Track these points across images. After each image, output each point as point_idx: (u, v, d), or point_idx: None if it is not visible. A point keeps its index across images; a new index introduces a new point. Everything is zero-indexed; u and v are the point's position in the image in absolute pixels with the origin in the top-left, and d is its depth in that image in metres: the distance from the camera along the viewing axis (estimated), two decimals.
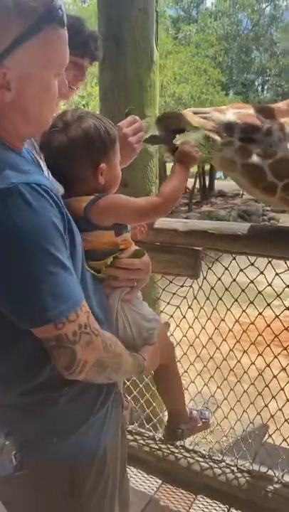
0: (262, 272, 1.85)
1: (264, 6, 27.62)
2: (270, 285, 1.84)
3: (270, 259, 1.83)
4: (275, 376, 1.98)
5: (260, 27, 27.25)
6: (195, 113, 1.43)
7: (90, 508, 1.11)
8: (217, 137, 1.41)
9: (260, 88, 29.67)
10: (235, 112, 1.45)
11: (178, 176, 1.25)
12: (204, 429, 1.72)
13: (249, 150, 1.44)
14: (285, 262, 1.81)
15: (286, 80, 26.67)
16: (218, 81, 17.20)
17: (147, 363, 1.19)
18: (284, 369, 1.97)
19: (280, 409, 2.01)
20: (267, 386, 2.01)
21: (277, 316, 1.90)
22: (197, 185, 21.67)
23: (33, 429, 1.04)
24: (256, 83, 28.97)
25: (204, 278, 2.02)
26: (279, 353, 1.95)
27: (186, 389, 2.24)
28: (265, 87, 30.03)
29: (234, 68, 25.46)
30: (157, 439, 2.38)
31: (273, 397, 2.01)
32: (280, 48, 26.93)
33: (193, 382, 2.24)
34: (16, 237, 0.83)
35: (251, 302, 1.93)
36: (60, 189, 1.17)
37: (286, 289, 1.85)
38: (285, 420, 2.02)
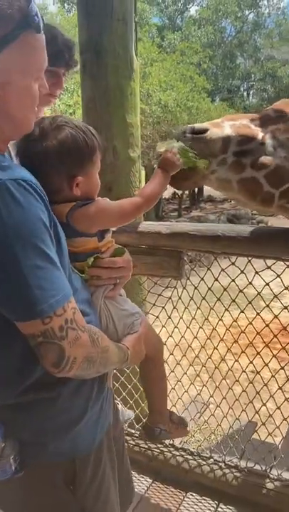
0: (242, 271, 1.91)
1: (247, 13, 28.02)
2: (250, 283, 1.90)
3: (249, 258, 1.90)
4: (258, 372, 2.04)
5: (243, 34, 27.63)
6: (194, 132, 1.40)
7: (88, 498, 1.14)
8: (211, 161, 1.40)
9: (245, 94, 30.00)
10: (230, 125, 1.44)
11: (159, 180, 1.30)
12: (181, 435, 1.74)
13: (243, 164, 1.43)
14: (265, 261, 1.88)
15: (271, 84, 27.01)
16: (204, 88, 17.38)
17: (131, 351, 1.22)
18: (266, 365, 2.02)
19: (264, 405, 2.06)
20: (251, 383, 2.07)
21: (258, 314, 1.96)
22: (186, 191, 21.79)
23: (31, 430, 1.06)
24: (241, 89, 29.30)
25: (187, 279, 2.07)
26: (261, 350, 2.01)
27: (174, 388, 2.30)
28: (251, 92, 30.38)
29: (219, 75, 25.75)
30: None
31: (257, 393, 2.07)
32: (263, 54, 27.29)
33: (180, 382, 2.29)
34: (5, 233, 0.86)
35: (233, 300, 1.98)
36: None
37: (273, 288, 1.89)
38: (270, 415, 2.08)
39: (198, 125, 1.45)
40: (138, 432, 2.44)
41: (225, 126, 1.43)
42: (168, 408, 1.60)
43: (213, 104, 18.91)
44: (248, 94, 30.35)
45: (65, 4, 24.04)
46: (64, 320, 0.91)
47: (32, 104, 0.99)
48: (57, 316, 0.90)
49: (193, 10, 29.52)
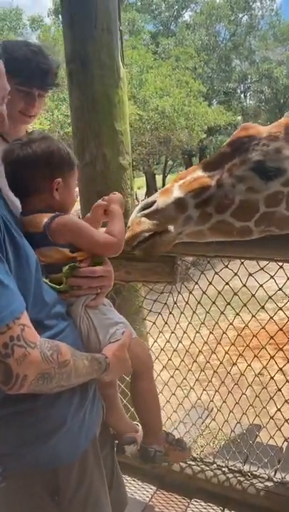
0: (236, 274, 1.90)
1: (240, 15, 28.12)
2: (244, 286, 1.89)
3: (242, 261, 1.89)
4: (256, 375, 2.03)
5: (238, 36, 27.69)
6: (143, 208, 1.47)
7: (74, 508, 1.14)
8: (171, 227, 1.44)
9: (242, 96, 30.06)
10: (180, 185, 1.46)
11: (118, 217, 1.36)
12: (180, 459, 1.69)
13: (208, 212, 1.45)
14: (258, 263, 1.87)
15: (267, 85, 27.05)
16: (200, 92, 17.43)
17: (111, 360, 1.21)
18: (265, 368, 2.01)
19: (264, 408, 2.05)
20: (250, 385, 2.05)
21: (253, 316, 1.95)
22: None
23: (11, 441, 1.07)
24: (238, 91, 29.32)
25: (182, 284, 2.07)
26: (258, 353, 2.00)
27: (174, 393, 2.29)
28: (248, 94, 30.43)
29: (215, 78, 25.76)
30: None
31: (257, 396, 2.05)
32: (258, 56, 27.36)
33: (180, 387, 2.27)
34: None
35: (228, 303, 1.97)
36: (19, 205, 1.24)
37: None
38: (271, 418, 2.06)
39: (144, 201, 1.52)
40: None
41: (174, 189, 1.47)
42: (164, 428, 1.58)
43: (210, 108, 18.91)
44: (245, 96, 30.38)
45: (60, 16, 24.25)
46: (9, 337, 0.91)
47: None
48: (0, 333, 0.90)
49: (187, 15, 29.66)
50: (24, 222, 1.17)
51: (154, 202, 1.46)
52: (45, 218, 1.18)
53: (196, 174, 1.47)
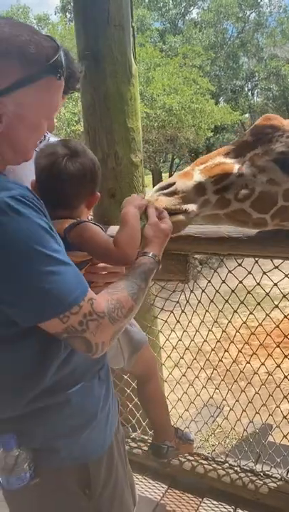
0: (250, 272, 1.89)
1: (248, 13, 27.98)
2: (258, 284, 1.88)
3: (256, 259, 1.88)
4: (270, 374, 2.01)
5: (245, 34, 27.57)
6: (161, 188, 1.43)
7: (103, 501, 1.16)
8: (190, 206, 1.40)
9: (250, 93, 29.91)
10: (200, 170, 1.44)
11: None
12: (188, 451, 1.73)
13: (227, 198, 1.43)
14: (272, 261, 1.85)
15: (275, 83, 26.90)
16: (207, 90, 17.37)
17: (155, 247, 1.18)
18: (279, 366, 2.00)
19: (278, 407, 2.03)
20: (263, 384, 2.04)
21: (267, 315, 1.93)
22: None
23: (43, 436, 1.08)
24: (246, 89, 29.19)
25: (194, 282, 2.05)
26: (272, 352, 1.98)
27: (186, 392, 2.28)
28: (255, 91, 30.31)
29: (222, 76, 25.67)
30: None
31: (270, 395, 2.04)
32: (266, 53, 27.19)
33: (192, 386, 2.26)
34: (12, 245, 0.90)
35: (242, 302, 1.96)
36: None
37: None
38: (284, 417, 2.04)
39: (161, 183, 1.48)
40: (151, 438, 2.42)
41: (195, 172, 1.44)
42: (173, 425, 1.61)
43: (217, 106, 18.83)
44: (253, 94, 30.27)
45: (67, 13, 24.23)
46: (82, 315, 0.96)
47: (36, 139, 1.07)
48: (73, 314, 0.94)
49: (194, 13, 29.56)
50: None
51: (171, 184, 1.43)
52: (66, 224, 1.19)
53: (218, 160, 1.45)
